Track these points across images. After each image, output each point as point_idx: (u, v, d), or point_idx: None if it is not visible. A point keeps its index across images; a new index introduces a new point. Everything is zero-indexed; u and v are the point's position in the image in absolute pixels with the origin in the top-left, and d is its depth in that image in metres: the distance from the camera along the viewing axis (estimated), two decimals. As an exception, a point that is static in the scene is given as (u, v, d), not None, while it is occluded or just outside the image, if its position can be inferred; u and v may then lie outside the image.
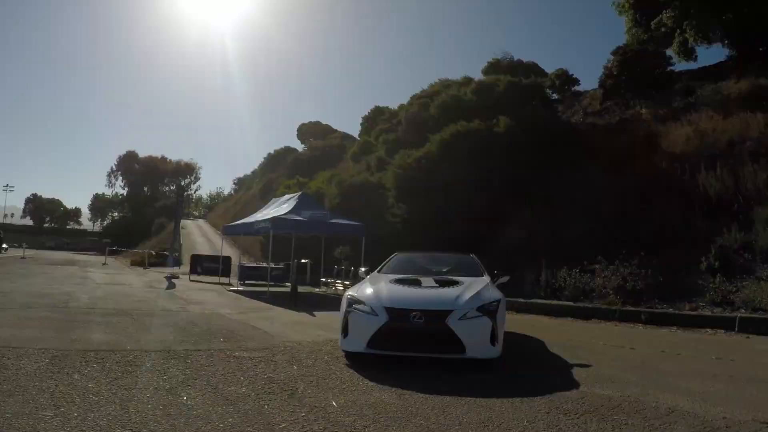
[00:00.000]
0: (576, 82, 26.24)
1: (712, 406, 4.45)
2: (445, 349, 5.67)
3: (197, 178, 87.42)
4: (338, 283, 16.87)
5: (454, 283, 6.57)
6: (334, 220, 15.86)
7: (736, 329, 8.19)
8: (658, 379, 5.41)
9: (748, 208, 11.13)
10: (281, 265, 18.94)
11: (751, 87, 15.06)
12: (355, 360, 5.92)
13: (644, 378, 5.43)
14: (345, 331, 6.02)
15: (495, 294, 6.34)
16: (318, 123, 58.49)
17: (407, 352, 5.71)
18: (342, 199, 20.77)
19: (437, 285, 6.52)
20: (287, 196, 18.36)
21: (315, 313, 10.96)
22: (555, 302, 11.56)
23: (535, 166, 16.96)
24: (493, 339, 5.75)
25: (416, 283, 6.56)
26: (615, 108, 22.18)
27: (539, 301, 11.88)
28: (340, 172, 28.09)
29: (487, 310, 5.86)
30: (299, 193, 17.63)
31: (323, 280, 18.40)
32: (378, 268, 7.83)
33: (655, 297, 10.31)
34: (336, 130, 54.63)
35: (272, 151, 58.21)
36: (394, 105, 34.41)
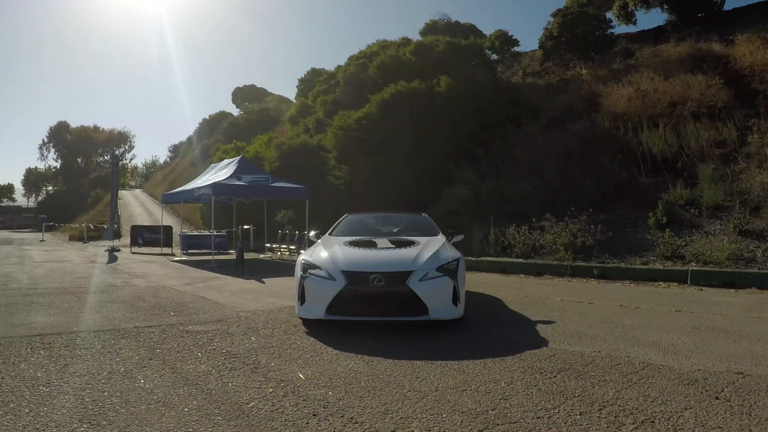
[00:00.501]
0: (516, 43, 26.18)
1: (684, 358, 4.45)
2: (408, 312, 5.46)
3: (132, 147, 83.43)
4: (284, 248, 16.55)
5: (411, 243, 6.37)
6: (276, 184, 15.40)
7: (689, 282, 8.42)
8: (623, 333, 5.40)
9: (692, 165, 11.43)
10: (223, 232, 18.36)
11: (691, 50, 15.40)
12: (314, 327, 5.69)
13: (610, 333, 5.42)
14: (302, 298, 5.74)
15: (453, 253, 6.17)
16: (253, 87, 57.66)
17: (369, 316, 5.48)
18: (282, 163, 20.36)
19: (394, 246, 6.28)
20: (226, 161, 17.70)
21: (264, 279, 10.60)
22: (506, 259, 11.61)
23: (477, 126, 17.11)
24: (455, 299, 5.61)
25: (372, 245, 6.32)
26: (555, 69, 22.44)
27: (489, 258, 11.91)
28: (277, 135, 27.47)
29: (448, 269, 5.71)
30: (239, 158, 16.93)
31: (268, 245, 18.08)
32: (329, 231, 7.56)
33: (606, 252, 10.50)
34: (272, 94, 54.18)
35: (207, 117, 56.67)
36: (331, 67, 33.75)
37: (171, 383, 3.81)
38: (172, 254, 18.52)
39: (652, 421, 3.12)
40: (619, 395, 3.56)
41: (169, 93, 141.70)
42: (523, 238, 11.95)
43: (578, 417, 3.20)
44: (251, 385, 3.77)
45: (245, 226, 12.84)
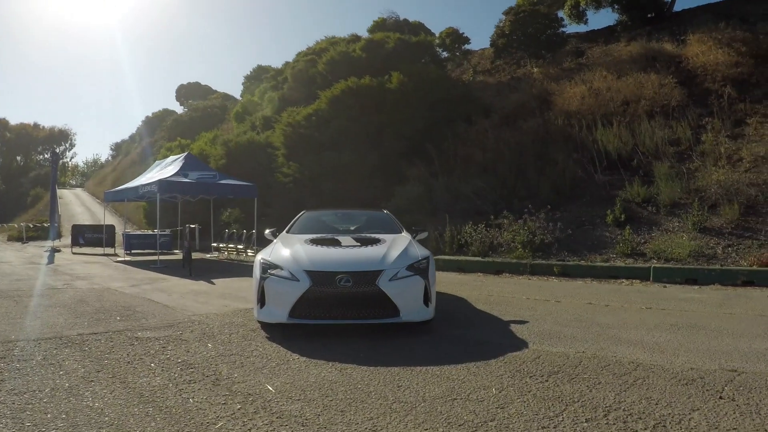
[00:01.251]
0: (466, 41, 26.35)
1: (672, 357, 4.29)
2: (377, 314, 5.06)
3: (72, 145, 79.83)
4: (231, 247, 15.93)
5: (376, 241, 5.99)
6: (224, 181, 14.74)
7: (651, 279, 8.44)
8: (601, 332, 5.22)
9: (647, 163, 11.59)
10: (168, 232, 17.52)
11: (643, 50, 15.76)
12: (275, 332, 5.24)
13: (587, 332, 5.22)
14: (261, 301, 5.26)
15: (422, 251, 5.82)
16: (197, 84, 57.14)
17: (336, 320, 5.06)
18: (228, 160, 19.81)
19: (359, 244, 5.87)
20: (172, 158, 16.88)
21: (213, 280, 9.99)
22: (463, 258, 11.41)
23: (429, 123, 17.04)
24: (426, 299, 5.28)
25: (335, 243, 5.91)
26: (505, 67, 22.66)
27: (446, 257, 11.66)
28: (222, 132, 27.05)
29: (418, 268, 5.36)
30: (185, 154, 16.09)
31: (214, 245, 17.40)
32: (286, 229, 7.09)
33: (564, 250, 10.47)
34: (216, 91, 53.79)
35: (150, 114, 55.75)
36: (277, 64, 33.62)
37: (124, 401, 3.28)
38: (115, 254, 17.60)
39: (664, 425, 2.92)
40: (620, 399, 3.33)
41: (112, 90, 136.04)
42: (480, 236, 11.78)
43: (586, 425, 2.94)
44: (215, 400, 3.29)
45: (191, 225, 12.12)
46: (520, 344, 4.76)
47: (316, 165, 16.61)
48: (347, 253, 5.54)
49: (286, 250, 5.66)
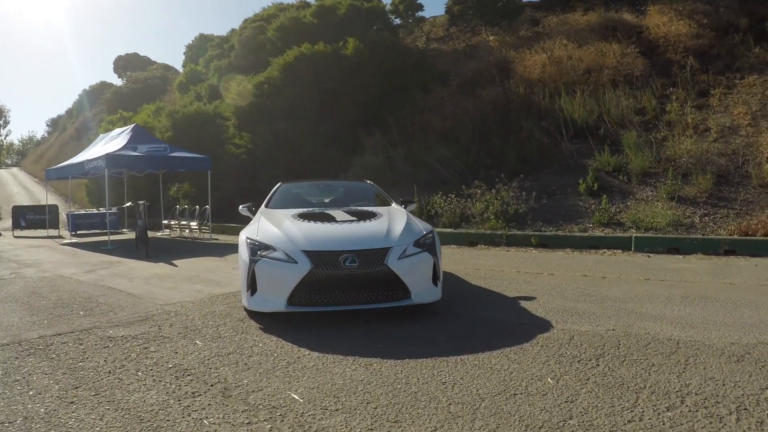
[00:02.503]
0: (420, 7, 25.81)
1: (705, 331, 4.09)
2: (387, 297, 4.55)
3: (6, 122, 74.78)
4: (183, 224, 14.98)
5: (372, 215, 5.45)
6: (175, 154, 13.68)
7: (632, 249, 8.36)
8: (617, 307, 4.96)
9: (614, 132, 11.56)
10: (114, 210, 16.30)
11: (601, 19, 15.72)
12: (267, 322, 4.65)
13: (603, 307, 4.96)
14: (252, 287, 4.61)
15: (424, 225, 5.36)
16: (136, 55, 54.45)
17: (341, 305, 4.50)
18: (175, 132, 18.58)
19: (355, 218, 5.30)
20: (118, 130, 15.53)
21: (174, 262, 9.17)
22: (435, 229, 11.04)
23: (384, 91, 16.56)
24: (435, 278, 4.82)
25: (328, 218, 5.32)
26: (460, 35, 22.27)
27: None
28: (166, 104, 25.51)
29: (424, 243, 4.88)
30: (132, 126, 14.85)
31: (165, 222, 16.36)
32: (264, 203, 6.44)
33: (539, 220, 10.30)
34: (156, 62, 51.65)
35: (88, 87, 52.64)
36: (220, 32, 32.31)
37: (120, 429, 2.62)
38: (60, 237, 16.26)
39: (745, 408, 2.71)
40: (685, 381, 3.09)
41: (45, 64, 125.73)
42: (451, 206, 11.44)
43: (670, 414, 2.67)
44: (236, 419, 2.71)
45: (141, 202, 11.13)
46: (544, 324, 4.42)
47: (269, 135, 15.76)
48: (347, 230, 4.96)
49: (275, 227, 5.02)
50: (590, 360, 3.50)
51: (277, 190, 6.82)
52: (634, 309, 4.85)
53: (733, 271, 6.51)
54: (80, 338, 4.31)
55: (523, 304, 5.20)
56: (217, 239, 13.67)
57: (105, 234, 13.76)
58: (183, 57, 38.07)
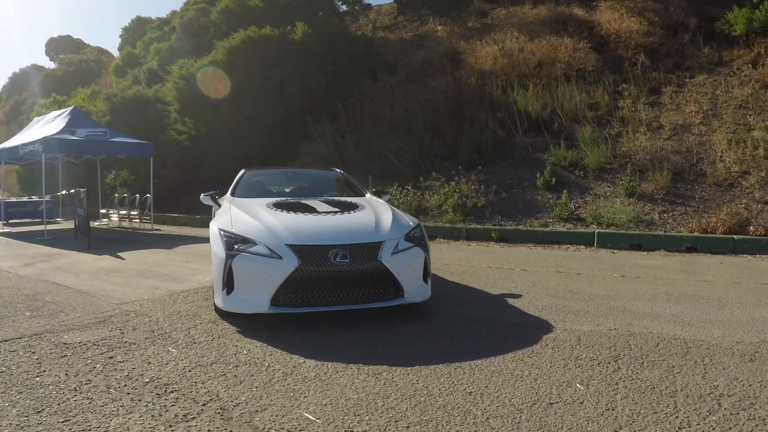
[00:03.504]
0: (367, -6, 25.38)
1: (706, 331, 4.05)
2: (381, 296, 4.21)
3: None
4: (123, 214, 14.02)
5: (353, 206, 5.08)
6: (116, 139, 12.71)
7: (595, 245, 8.42)
8: (608, 305, 4.86)
9: (569, 127, 11.70)
10: (48, 198, 15.10)
11: (551, 13, 15.89)
12: (244, 324, 4.18)
13: (593, 306, 4.85)
14: (228, 285, 4.11)
15: (410, 218, 5.03)
16: (69, 37, 52.54)
17: (330, 306, 4.09)
18: (113, 117, 17.46)
19: (337, 209, 4.90)
20: (55, 113, 14.31)
21: (120, 254, 8.43)
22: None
23: (333, 78, 16.17)
24: (426, 275, 4.53)
25: (307, 209, 4.89)
26: (407, 24, 22.09)
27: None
28: (102, 88, 24.54)
29: (414, 237, 4.57)
30: (70, 109, 13.66)
31: (103, 211, 15.34)
32: (230, 191, 5.91)
33: (497, 214, 10.25)
34: (89, 45, 49.73)
35: (17, 70, 51.06)
36: (159, 14, 31.13)
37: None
38: None
39: None
40: (711, 382, 3.03)
41: None
42: (408, 198, 11.20)
43: (715, 418, 2.58)
44: (246, 447, 2.29)
45: (81, 189, 10.20)
46: (543, 324, 4.24)
47: (214, 121, 14.95)
48: (333, 222, 4.55)
49: (252, 218, 4.54)
50: (609, 363, 3.33)
51: (242, 177, 6.28)
52: (624, 307, 4.77)
53: (702, 269, 6.62)
54: (31, 345, 3.70)
55: (512, 302, 5.01)
56: (160, 230, 12.79)
57: (40, 224, 12.72)
58: (119, 40, 36.59)
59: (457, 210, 10.46)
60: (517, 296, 5.23)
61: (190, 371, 3.19)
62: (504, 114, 12.74)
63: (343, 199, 5.58)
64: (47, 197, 13.98)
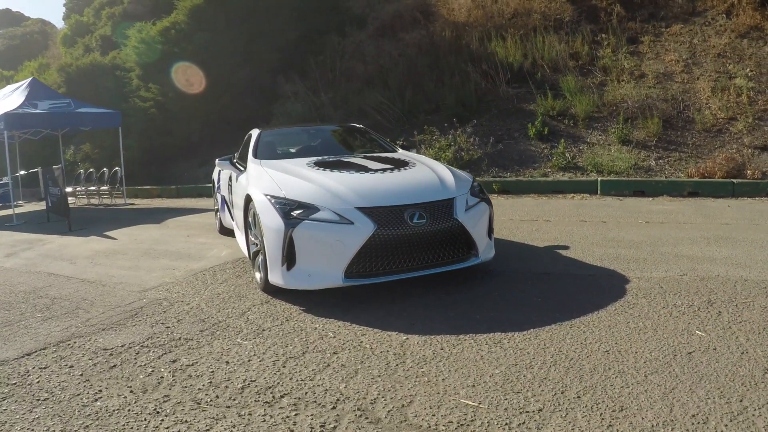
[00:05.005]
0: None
1: (762, 272, 4.07)
2: (458, 257, 3.96)
3: None
4: (92, 190, 13.08)
5: (402, 162, 4.74)
6: (81, 110, 11.72)
7: (599, 192, 8.50)
8: (658, 251, 4.87)
9: (552, 77, 11.65)
10: (5, 180, 14.00)
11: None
12: (304, 302, 3.81)
13: (646, 252, 4.84)
14: (290, 259, 3.70)
15: (462, 172, 4.77)
16: (8, 11, 49.56)
17: (408, 272, 3.77)
18: (68, 89, 16.39)
19: (389, 166, 4.54)
20: (11, 87, 13.16)
21: (108, 233, 7.84)
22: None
23: (301, 35, 15.53)
24: (490, 231, 4.32)
25: (356, 167, 4.50)
26: (374, -23, 21.19)
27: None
28: (51, 60, 23.22)
29: (477, 192, 4.33)
30: (29, 80, 12.51)
31: (69, 189, 14.17)
32: (251, 153, 5.31)
33: (494, 166, 10.18)
34: (30, 18, 46.85)
35: None
36: None
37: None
38: None
39: None
40: None
41: None
42: (403, 152, 10.97)
43: None
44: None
45: (57, 166, 9.34)
46: (614, 274, 4.18)
47: (182, 85, 14.02)
48: (395, 180, 4.19)
49: (301, 180, 4.13)
50: (707, 308, 3.35)
51: (259, 138, 5.68)
52: (674, 252, 4.79)
53: (716, 213, 6.76)
54: (64, 357, 3.16)
55: (565, 254, 4.94)
56: (134, 204, 12.07)
57: (2, 208, 11.72)
58: (63, 10, 34.24)
59: (453, 163, 10.31)
60: (564, 247, 5.17)
61: (284, 366, 2.82)
62: (487, 65, 12.54)
63: (385, 155, 5.28)
64: (4, 179, 12.88)
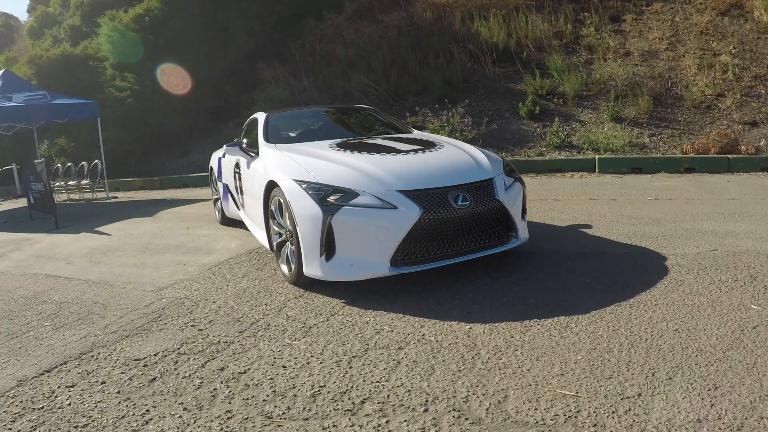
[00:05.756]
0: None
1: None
2: (500, 240, 3.83)
3: None
4: (72, 185, 12.53)
5: (429, 142, 4.56)
6: (58, 101, 11.17)
7: (597, 170, 8.56)
8: (681, 227, 4.90)
9: (537, 56, 11.64)
10: None
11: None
12: (343, 294, 3.62)
13: (669, 228, 4.86)
14: (329, 248, 3.49)
15: (488, 151, 4.64)
16: None
17: (452, 258, 3.59)
18: (39, 82, 15.67)
19: (418, 147, 4.34)
20: None
21: (100, 230, 7.44)
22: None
23: (279, 20, 15.23)
24: (524, 212, 4.21)
25: (383, 149, 4.30)
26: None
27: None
28: (16, 54, 22.43)
29: (510, 171, 4.20)
30: (2, 72, 11.99)
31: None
32: (262, 137, 5.03)
33: (487, 146, 9.96)
34: None
35: None
36: None
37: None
38: None
39: None
40: None
41: None
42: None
43: None
44: None
45: (39, 161, 8.84)
46: (648, 252, 4.17)
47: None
48: (429, 161, 4.00)
49: (331, 164, 3.89)
50: (751, 282, 3.38)
51: (267, 121, 5.37)
52: (697, 228, 4.83)
53: (718, 188, 6.85)
54: (92, 372, 2.78)
55: (590, 232, 4.93)
56: (117, 197, 11.60)
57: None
58: (28, 2, 32.30)
59: (450, 143, 10.25)
60: (586, 226, 5.16)
61: (350, 367, 2.61)
62: (472, 45, 12.45)
63: (406, 135, 5.13)
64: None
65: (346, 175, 3.68)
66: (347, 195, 3.51)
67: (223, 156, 6.29)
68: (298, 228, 3.61)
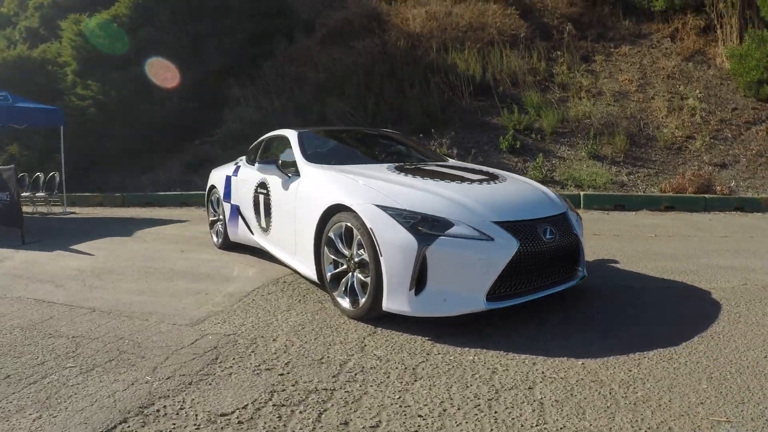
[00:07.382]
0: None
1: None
2: (572, 273, 3.83)
3: None
4: (26, 196, 11.55)
5: (489, 173, 4.51)
6: (21, 104, 10.28)
7: (582, 206, 8.85)
8: (696, 262, 5.14)
9: (513, 92, 12.04)
10: None
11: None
12: (419, 329, 3.36)
13: (689, 264, 5.07)
14: (420, 281, 3.23)
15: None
16: None
17: (539, 291, 3.52)
18: None
19: (484, 177, 4.23)
20: None
21: (75, 248, 6.79)
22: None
23: (250, 39, 14.99)
24: None
25: (452, 177, 4.08)
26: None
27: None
28: None
29: (569, 206, 4.23)
30: None
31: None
32: (303, 156, 4.68)
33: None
34: None
35: None
36: None
37: None
38: None
39: None
40: None
41: None
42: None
43: None
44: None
45: (9, 167, 7.92)
46: (685, 286, 4.31)
47: (124, 83, 12.87)
48: (506, 191, 3.88)
49: (410, 189, 3.64)
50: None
51: (302, 139, 4.99)
52: (714, 264, 5.06)
53: (706, 226, 7.24)
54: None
55: (619, 266, 5.06)
56: (75, 212, 10.74)
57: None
58: None
59: (434, 175, 10.29)
60: (613, 261, 5.27)
61: (495, 412, 2.39)
62: (448, 76, 12.70)
63: (458, 163, 5.13)
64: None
65: (434, 203, 3.44)
66: (440, 224, 3.28)
67: (235, 174, 5.95)
68: (382, 258, 3.30)
